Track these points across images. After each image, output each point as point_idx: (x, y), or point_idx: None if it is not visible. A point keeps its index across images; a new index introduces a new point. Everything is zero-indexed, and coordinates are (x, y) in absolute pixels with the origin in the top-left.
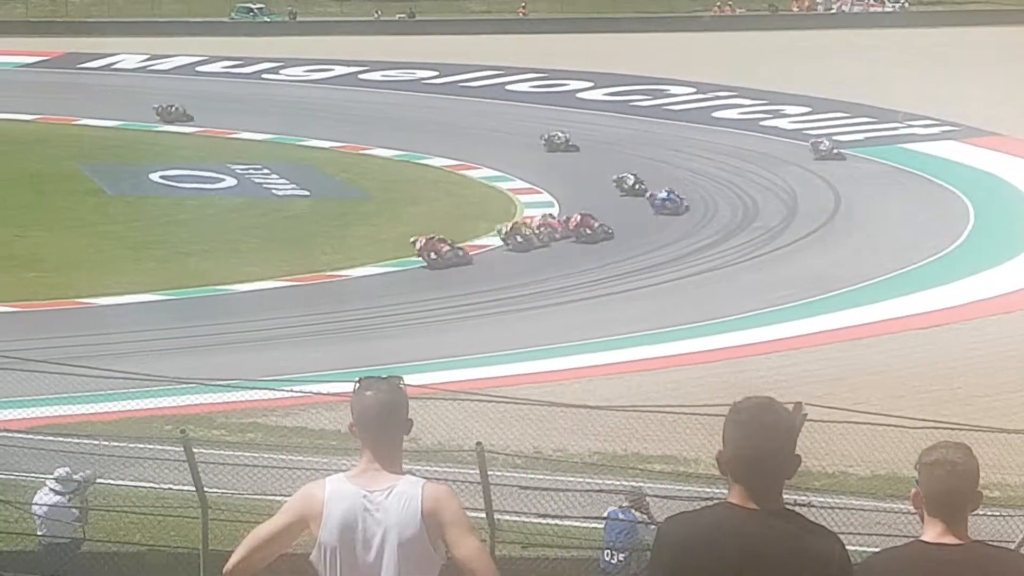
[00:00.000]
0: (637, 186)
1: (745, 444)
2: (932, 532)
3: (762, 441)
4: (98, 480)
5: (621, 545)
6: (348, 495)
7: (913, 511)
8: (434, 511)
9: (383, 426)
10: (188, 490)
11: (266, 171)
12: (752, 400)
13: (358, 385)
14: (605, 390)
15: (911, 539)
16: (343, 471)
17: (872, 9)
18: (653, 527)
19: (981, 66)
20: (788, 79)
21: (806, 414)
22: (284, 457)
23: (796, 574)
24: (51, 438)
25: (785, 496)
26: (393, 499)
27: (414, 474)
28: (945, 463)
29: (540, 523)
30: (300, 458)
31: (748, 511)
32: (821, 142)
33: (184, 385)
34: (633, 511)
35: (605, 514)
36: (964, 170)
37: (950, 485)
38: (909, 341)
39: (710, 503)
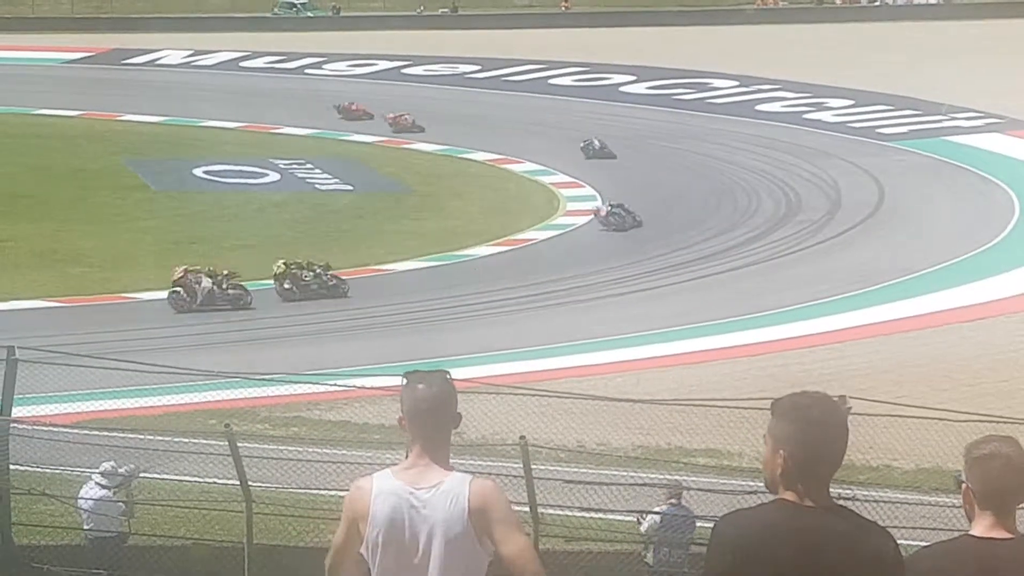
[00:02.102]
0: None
1: (812, 444)
2: (982, 526)
3: (830, 440)
4: (143, 474)
5: (673, 540)
6: (394, 492)
7: (958, 505)
8: (481, 508)
9: (434, 419)
10: (232, 484)
11: (309, 166)
12: (812, 397)
13: (408, 378)
14: (648, 384)
15: (956, 533)
16: (387, 466)
17: (916, 1)
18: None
19: None
20: (832, 72)
21: (850, 407)
22: (328, 451)
23: (853, 571)
24: (96, 432)
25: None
26: (440, 496)
27: (460, 470)
28: (999, 456)
29: (583, 517)
30: (344, 452)
31: (805, 508)
32: None
33: (228, 379)
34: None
35: (658, 509)
36: (1009, 162)
37: (1003, 479)
38: (954, 334)
39: (753, 497)
